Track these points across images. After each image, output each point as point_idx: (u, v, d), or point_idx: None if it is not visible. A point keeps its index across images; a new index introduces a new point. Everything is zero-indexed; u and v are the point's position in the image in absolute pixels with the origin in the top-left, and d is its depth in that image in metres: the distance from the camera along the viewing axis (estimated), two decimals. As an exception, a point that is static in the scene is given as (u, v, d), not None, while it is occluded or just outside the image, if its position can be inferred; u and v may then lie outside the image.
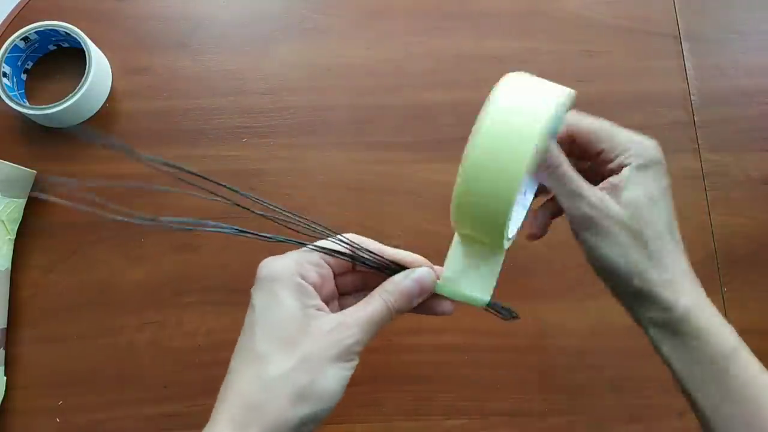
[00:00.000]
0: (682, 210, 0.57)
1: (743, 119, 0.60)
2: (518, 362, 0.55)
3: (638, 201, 0.35)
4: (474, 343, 0.55)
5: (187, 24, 0.63)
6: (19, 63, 0.60)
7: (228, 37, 0.63)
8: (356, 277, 0.38)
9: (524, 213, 0.41)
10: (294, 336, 0.32)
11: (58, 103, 0.57)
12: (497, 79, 0.67)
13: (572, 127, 0.37)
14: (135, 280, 0.56)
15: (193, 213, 0.55)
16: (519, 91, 0.33)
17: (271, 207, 0.34)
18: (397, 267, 0.36)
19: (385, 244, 0.37)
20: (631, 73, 0.62)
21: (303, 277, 0.34)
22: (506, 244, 0.36)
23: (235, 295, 0.55)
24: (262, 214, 0.34)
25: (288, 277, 0.33)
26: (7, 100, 0.57)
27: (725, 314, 0.55)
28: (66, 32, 0.59)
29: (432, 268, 0.36)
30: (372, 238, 0.37)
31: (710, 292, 0.55)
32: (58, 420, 0.53)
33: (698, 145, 0.59)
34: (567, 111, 0.36)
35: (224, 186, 0.33)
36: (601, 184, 0.36)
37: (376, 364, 0.55)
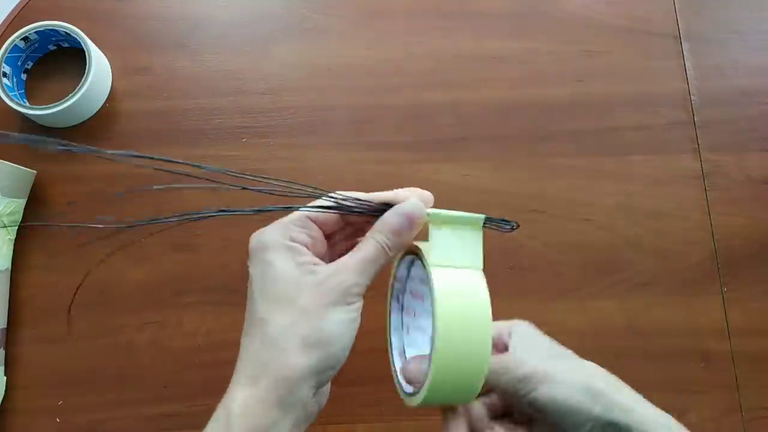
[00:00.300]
0: (682, 210, 0.58)
1: (743, 119, 0.60)
2: (518, 362, 0.55)
3: (546, 349, 0.37)
4: (474, 343, 0.55)
5: (186, 24, 0.63)
6: (19, 63, 0.60)
7: (228, 37, 0.63)
8: (349, 232, 0.38)
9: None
10: (290, 293, 0.32)
11: (58, 103, 0.57)
12: (497, 79, 0.67)
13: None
14: (135, 280, 0.56)
15: (191, 209, 0.55)
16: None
17: (250, 177, 0.34)
18: (386, 207, 0.35)
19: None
20: (631, 73, 0.62)
21: (292, 239, 0.34)
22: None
23: (235, 295, 0.55)
24: (244, 188, 0.34)
25: (277, 241, 0.34)
26: (7, 100, 0.57)
27: (725, 314, 0.56)
28: (66, 32, 0.59)
29: (422, 197, 0.36)
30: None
31: (710, 292, 0.56)
32: (58, 420, 0.53)
33: (698, 145, 0.59)
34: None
35: (197, 166, 0.33)
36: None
37: (377, 364, 0.54)
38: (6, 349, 0.54)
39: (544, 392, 0.34)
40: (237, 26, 0.63)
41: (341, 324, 0.32)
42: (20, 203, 0.56)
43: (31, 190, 0.57)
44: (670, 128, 0.60)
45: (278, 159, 0.59)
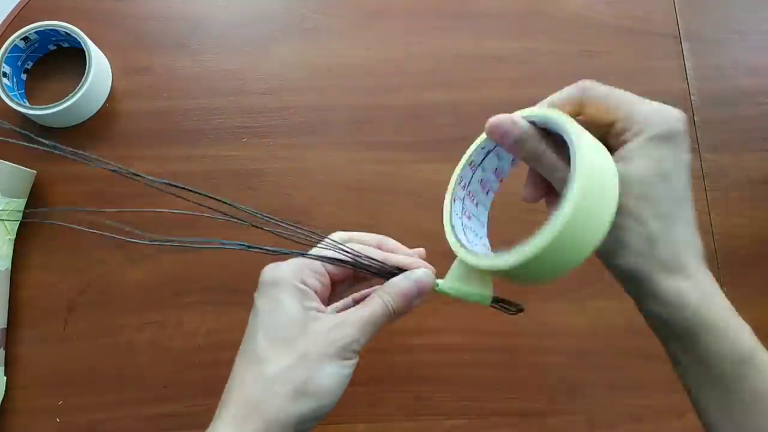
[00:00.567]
0: (682, 210, 0.58)
1: (743, 119, 0.60)
2: (518, 362, 0.55)
3: (643, 177, 0.31)
4: (474, 343, 0.55)
5: (186, 24, 0.63)
6: (19, 63, 0.60)
7: (228, 37, 0.63)
8: (352, 281, 0.38)
9: (485, 214, 0.41)
10: (293, 336, 0.33)
11: (58, 103, 0.57)
12: (497, 79, 0.67)
13: (584, 97, 0.34)
14: (135, 280, 0.56)
15: (192, 219, 0.55)
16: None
17: (268, 219, 0.34)
18: (398, 271, 0.36)
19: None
20: (631, 73, 0.62)
21: (303, 282, 0.34)
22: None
23: (235, 295, 0.55)
24: (256, 226, 0.34)
25: (289, 281, 0.34)
26: (7, 100, 0.57)
27: (725, 314, 0.55)
28: (66, 32, 0.59)
29: (432, 270, 0.36)
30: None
31: (710, 292, 0.56)
32: (58, 420, 0.53)
33: (698, 145, 0.59)
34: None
35: (222, 201, 0.33)
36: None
37: (377, 364, 0.55)
38: (6, 349, 0.54)
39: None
40: (237, 26, 0.63)
41: (334, 378, 0.32)
42: (20, 203, 0.56)
43: (31, 190, 0.57)
44: (670, 128, 0.60)
45: (278, 159, 0.59)
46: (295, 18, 0.64)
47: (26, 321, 0.55)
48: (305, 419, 0.32)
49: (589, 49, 0.62)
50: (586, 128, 0.33)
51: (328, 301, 0.37)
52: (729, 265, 0.56)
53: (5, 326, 0.54)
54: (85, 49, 0.58)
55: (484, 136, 0.38)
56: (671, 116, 0.32)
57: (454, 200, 0.39)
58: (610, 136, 0.33)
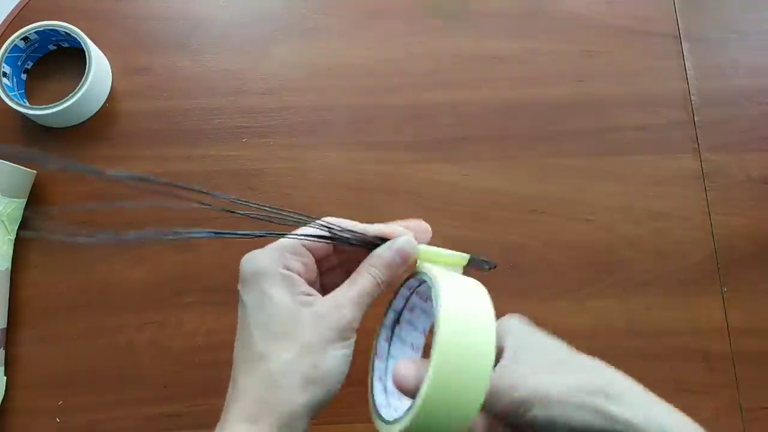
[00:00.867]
0: (682, 210, 0.58)
1: (743, 119, 0.60)
2: (518, 362, 0.55)
3: (544, 350, 0.35)
4: (474, 343, 0.55)
5: (186, 24, 0.63)
6: (19, 63, 0.60)
7: (228, 37, 0.63)
8: (336, 257, 0.38)
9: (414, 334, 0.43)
10: (289, 327, 0.32)
11: (58, 103, 0.57)
12: (497, 79, 0.67)
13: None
14: (135, 280, 0.56)
15: (188, 215, 0.55)
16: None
17: (244, 203, 0.34)
18: (379, 241, 0.36)
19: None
20: (631, 73, 0.62)
21: (287, 268, 0.34)
22: None
23: (235, 295, 0.55)
24: (242, 213, 0.34)
25: (272, 270, 0.34)
26: (7, 100, 0.57)
27: (725, 314, 0.56)
28: (66, 32, 0.59)
29: (412, 234, 0.37)
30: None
31: (710, 292, 0.56)
32: (58, 420, 0.53)
33: (698, 145, 0.59)
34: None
35: (193, 189, 0.33)
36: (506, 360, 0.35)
37: (376, 364, 0.55)
38: (6, 349, 0.54)
39: (542, 414, 0.32)
40: (237, 26, 0.63)
41: (339, 359, 0.33)
42: (20, 203, 0.56)
43: (31, 190, 0.57)
44: (670, 128, 0.60)
45: (278, 159, 0.59)
46: (295, 18, 0.64)
47: (26, 321, 0.55)
48: (317, 404, 0.32)
49: (589, 49, 0.62)
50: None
51: (318, 279, 0.37)
52: (729, 265, 0.56)
53: (5, 326, 0.54)
54: (85, 49, 0.58)
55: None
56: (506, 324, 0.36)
57: (378, 342, 0.42)
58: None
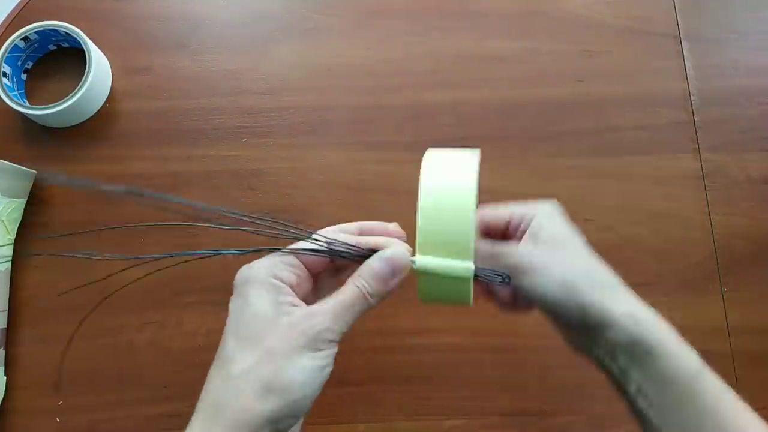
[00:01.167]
0: (682, 210, 0.58)
1: (743, 119, 0.60)
2: (518, 362, 0.55)
3: (555, 235, 0.38)
4: (474, 343, 0.55)
5: (186, 24, 0.63)
6: (19, 63, 0.60)
7: (228, 37, 0.63)
8: (336, 273, 0.37)
9: None
10: (260, 332, 0.31)
11: (58, 103, 0.57)
12: (497, 79, 0.67)
13: (482, 219, 0.42)
14: (135, 279, 0.56)
15: (191, 213, 0.55)
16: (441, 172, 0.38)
17: (236, 216, 0.34)
18: (374, 253, 0.35)
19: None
20: (631, 73, 0.62)
21: (277, 277, 0.33)
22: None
23: (235, 295, 0.55)
24: (234, 228, 0.34)
25: (262, 278, 0.33)
26: (7, 100, 0.57)
27: (725, 314, 0.56)
28: (66, 32, 0.59)
29: (408, 248, 0.35)
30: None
31: (710, 292, 0.56)
32: (58, 420, 0.53)
33: (698, 145, 0.59)
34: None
35: (184, 203, 0.33)
36: (522, 240, 0.39)
37: (377, 364, 0.55)
38: (6, 349, 0.54)
39: (526, 283, 0.36)
40: (237, 26, 0.63)
41: (306, 371, 0.30)
42: (20, 203, 0.56)
43: (31, 190, 0.57)
44: (670, 128, 0.60)
45: (278, 159, 0.59)
46: (295, 18, 0.64)
47: (26, 321, 0.55)
48: (276, 417, 0.30)
49: (589, 49, 0.62)
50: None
51: (313, 294, 0.36)
52: (729, 265, 0.56)
53: (5, 326, 0.54)
54: (85, 49, 0.58)
55: None
56: (548, 204, 0.41)
57: None
58: (509, 233, 0.41)
